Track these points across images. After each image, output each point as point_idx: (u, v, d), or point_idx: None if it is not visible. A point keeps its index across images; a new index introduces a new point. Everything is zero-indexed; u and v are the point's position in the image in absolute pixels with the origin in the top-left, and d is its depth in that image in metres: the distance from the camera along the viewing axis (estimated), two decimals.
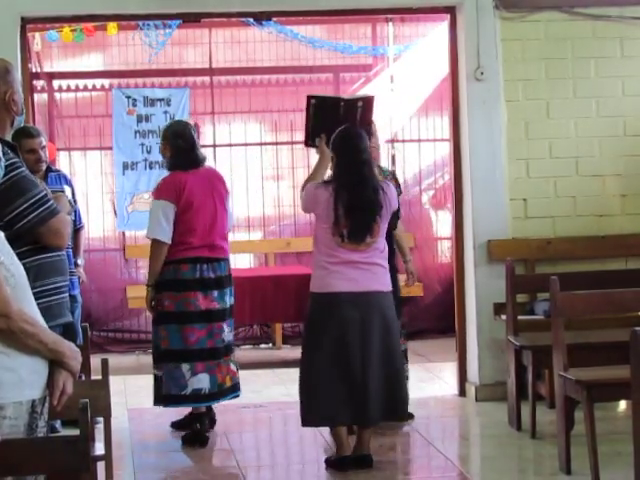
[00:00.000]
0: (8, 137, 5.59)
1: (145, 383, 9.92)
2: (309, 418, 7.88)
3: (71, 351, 4.47)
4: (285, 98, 14.61)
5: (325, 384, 7.73)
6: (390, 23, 13.71)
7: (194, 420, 8.80)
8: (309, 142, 8.15)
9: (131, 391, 9.82)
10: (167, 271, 8.64)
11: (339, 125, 7.72)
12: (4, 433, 4.48)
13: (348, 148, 7.78)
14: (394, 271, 8.65)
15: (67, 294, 6.02)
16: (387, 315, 7.78)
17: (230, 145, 14.10)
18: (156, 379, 8.60)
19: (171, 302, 8.69)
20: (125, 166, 12.44)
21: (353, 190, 7.62)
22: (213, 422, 8.99)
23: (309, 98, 8.08)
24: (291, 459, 8.08)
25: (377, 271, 7.77)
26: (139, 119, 12.37)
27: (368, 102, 8.03)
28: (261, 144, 13.51)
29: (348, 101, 8.02)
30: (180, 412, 9.06)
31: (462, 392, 9.98)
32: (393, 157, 13.35)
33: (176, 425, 8.95)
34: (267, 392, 10.42)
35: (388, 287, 7.82)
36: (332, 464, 7.81)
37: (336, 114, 7.84)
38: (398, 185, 9.03)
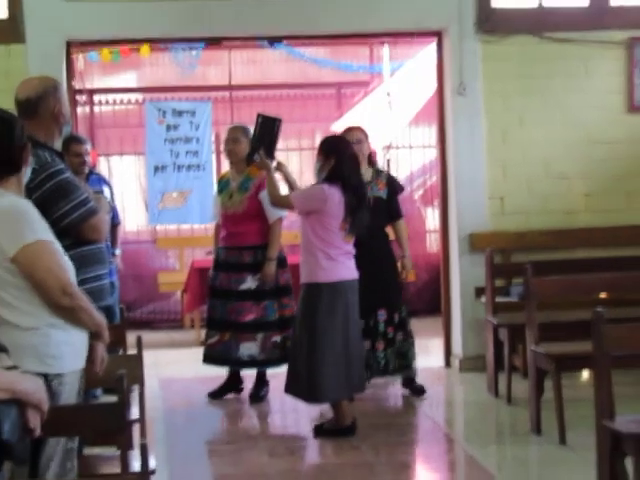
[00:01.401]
0: (57, 144, 5.65)
1: (174, 356, 9.99)
2: (318, 395, 7.79)
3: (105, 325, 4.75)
4: (294, 110, 14.58)
5: (335, 363, 7.69)
6: (385, 45, 13.69)
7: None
8: (250, 158, 7.98)
9: (162, 364, 9.84)
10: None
11: (272, 141, 7.79)
12: (64, 398, 4.58)
13: (348, 151, 7.80)
14: (394, 259, 8.82)
15: (107, 281, 6.07)
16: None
17: None
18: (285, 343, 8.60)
19: (287, 277, 8.83)
20: (156, 169, 12.44)
21: (357, 190, 7.67)
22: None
23: (258, 115, 7.94)
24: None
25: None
26: (168, 128, 12.39)
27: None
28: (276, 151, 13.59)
29: (280, 121, 7.91)
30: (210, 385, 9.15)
31: (447, 364, 10.02)
32: (388, 161, 13.34)
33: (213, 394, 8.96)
34: None
35: None
36: (332, 432, 7.79)
37: (272, 131, 7.80)
38: (398, 183, 9.13)
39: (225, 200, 8.76)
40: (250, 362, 8.77)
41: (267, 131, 7.81)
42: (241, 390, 9.05)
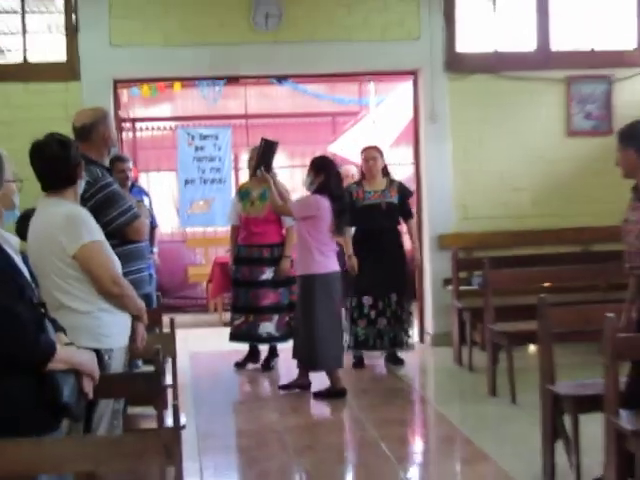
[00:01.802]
0: (106, 162, 5.68)
1: (200, 334, 9.98)
2: (316, 365, 7.93)
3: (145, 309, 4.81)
4: (298, 134, 14.69)
5: (333, 338, 7.85)
6: (371, 82, 13.70)
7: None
8: (254, 173, 8.13)
9: (191, 340, 9.81)
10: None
11: (270, 159, 7.85)
12: (113, 368, 4.63)
13: (334, 169, 8.04)
14: (404, 253, 9.03)
15: (146, 273, 6.12)
16: None
17: None
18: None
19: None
20: (186, 182, 12.45)
21: (341, 200, 7.87)
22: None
23: (264, 140, 7.99)
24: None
25: None
26: (196, 149, 12.40)
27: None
28: (281, 167, 13.51)
29: (277, 143, 7.99)
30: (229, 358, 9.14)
31: (422, 340, 9.99)
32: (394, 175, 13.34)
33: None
34: None
35: None
36: (330, 395, 7.85)
37: (271, 151, 7.85)
38: (408, 190, 9.15)
39: (247, 206, 8.76)
40: (268, 338, 8.85)
41: (268, 151, 7.86)
42: (259, 361, 9.05)
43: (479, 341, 8.69)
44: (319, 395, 7.89)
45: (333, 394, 7.83)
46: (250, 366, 9.04)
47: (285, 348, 8.72)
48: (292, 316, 8.60)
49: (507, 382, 7.53)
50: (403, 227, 9.13)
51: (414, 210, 9.45)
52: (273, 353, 9.00)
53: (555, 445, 5.70)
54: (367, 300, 8.60)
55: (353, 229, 8.75)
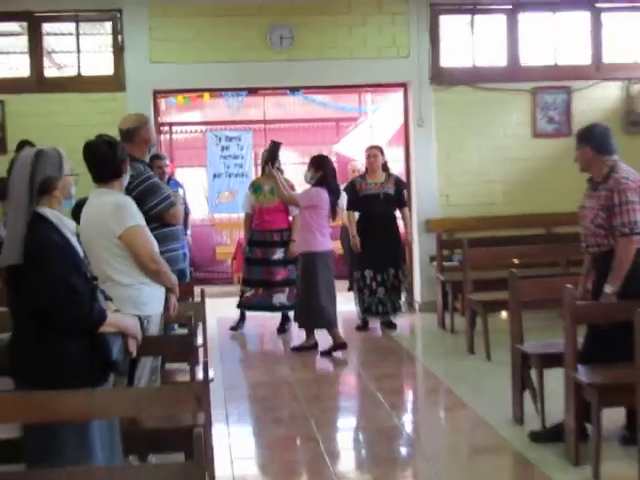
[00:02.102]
0: (147, 159, 5.67)
1: (226, 303, 9.92)
2: (320, 323, 7.99)
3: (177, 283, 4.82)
4: (307, 136, 14.58)
5: (330, 302, 7.91)
6: (368, 93, 13.64)
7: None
8: (264, 171, 8.37)
9: (218, 308, 9.76)
10: None
11: (277, 157, 7.96)
12: (151, 331, 4.65)
13: (330, 165, 8.16)
14: (399, 234, 9.01)
15: (181, 252, 6.10)
16: None
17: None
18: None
19: None
20: (214, 176, 12.46)
21: (336, 192, 8.07)
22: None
23: (272, 141, 8.20)
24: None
25: None
26: (222, 149, 12.40)
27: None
28: (294, 163, 13.46)
29: (280, 143, 8.10)
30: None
31: (411, 307, 9.90)
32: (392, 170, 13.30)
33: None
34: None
35: None
36: (334, 349, 7.91)
37: (277, 150, 7.92)
38: (403, 183, 9.17)
39: (260, 197, 8.77)
40: (281, 307, 8.85)
41: (275, 150, 7.93)
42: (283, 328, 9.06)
43: (459, 308, 8.66)
44: (325, 353, 7.92)
45: (336, 347, 7.90)
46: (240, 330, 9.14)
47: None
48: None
49: (483, 342, 7.54)
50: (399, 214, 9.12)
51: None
52: (286, 319, 8.98)
53: (523, 395, 5.71)
54: (369, 273, 8.62)
55: (357, 214, 8.84)
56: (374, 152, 8.86)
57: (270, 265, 8.76)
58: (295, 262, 8.56)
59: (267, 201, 8.73)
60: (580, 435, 4.96)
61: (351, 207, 8.85)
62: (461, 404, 6.38)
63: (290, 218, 8.79)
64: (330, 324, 7.99)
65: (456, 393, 6.63)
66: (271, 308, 8.88)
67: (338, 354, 7.93)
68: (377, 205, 8.66)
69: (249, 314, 9.12)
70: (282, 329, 8.98)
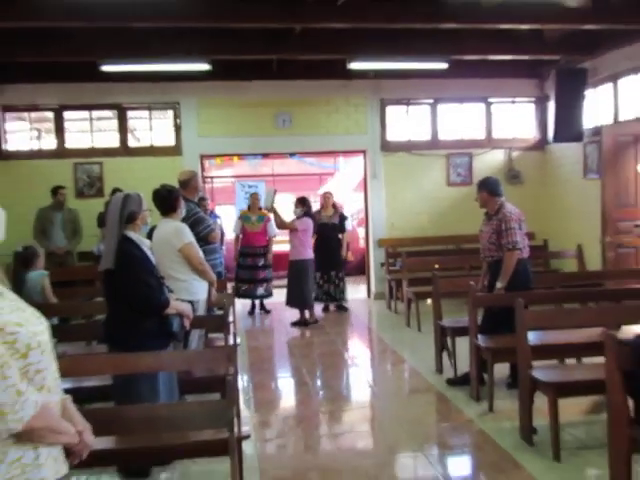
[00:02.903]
0: (196, 200, 5.64)
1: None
2: (308, 305, 8.01)
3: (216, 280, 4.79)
4: (300, 185, 14.26)
5: (311, 290, 8.04)
6: (340, 156, 13.69)
7: None
8: (265, 207, 8.12)
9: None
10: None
11: (273, 199, 7.86)
12: (199, 312, 4.61)
13: (309, 203, 8.15)
14: (340, 250, 8.74)
15: (219, 260, 6.08)
16: None
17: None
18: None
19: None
20: (240, 211, 12.44)
21: (315, 220, 8.14)
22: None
23: (269, 188, 8.42)
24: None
25: None
26: (245, 193, 12.23)
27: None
28: (292, 202, 13.39)
29: (276, 190, 8.10)
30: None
31: (369, 296, 9.85)
32: (341, 207, 13.23)
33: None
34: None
35: None
36: (309, 323, 7.94)
37: (273, 195, 7.88)
38: (345, 216, 8.99)
39: (248, 225, 8.65)
40: (260, 296, 8.72)
41: (273, 194, 7.88)
42: (266, 310, 8.97)
43: (400, 297, 8.64)
44: (298, 324, 7.98)
45: (312, 323, 7.97)
46: (257, 312, 8.98)
47: (269, 302, 8.92)
48: (272, 283, 8.74)
49: (415, 319, 7.53)
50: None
51: (351, 227, 9.48)
52: (263, 304, 8.95)
53: (442, 354, 5.72)
54: (317, 274, 8.48)
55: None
56: (327, 195, 8.87)
57: (256, 269, 8.61)
58: (270, 267, 8.67)
59: (254, 227, 8.63)
60: (480, 381, 4.97)
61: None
62: (401, 360, 6.39)
63: (267, 239, 8.68)
64: (312, 306, 8.06)
65: (398, 353, 6.63)
66: (255, 297, 8.76)
67: (315, 326, 7.90)
68: (327, 230, 8.55)
69: (243, 301, 8.95)
70: (264, 309, 8.95)
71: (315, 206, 9.09)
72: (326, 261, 8.50)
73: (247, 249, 8.68)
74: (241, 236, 8.75)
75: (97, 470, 3.66)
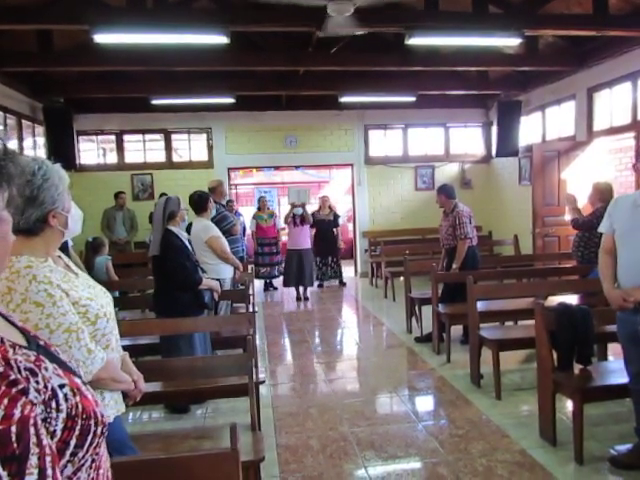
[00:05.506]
0: (223, 202, 5.57)
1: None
2: (310, 284, 7.88)
3: (239, 264, 4.65)
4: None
5: (312, 271, 7.89)
6: (334, 168, 13.50)
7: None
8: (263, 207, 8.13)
9: None
10: None
11: (306, 197, 7.78)
12: (226, 286, 4.55)
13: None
14: (336, 240, 8.58)
15: (242, 248, 5.98)
16: None
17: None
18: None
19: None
20: (254, 213, 12.37)
21: (314, 218, 7.96)
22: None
23: (289, 188, 8.26)
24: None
25: None
26: (262, 197, 12.26)
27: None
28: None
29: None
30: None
31: (355, 274, 9.80)
32: (335, 207, 13.16)
33: None
34: None
35: None
36: (308, 299, 7.80)
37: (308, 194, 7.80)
38: (338, 215, 8.73)
39: (262, 221, 8.49)
40: (274, 276, 8.58)
41: (306, 193, 7.83)
42: (274, 287, 8.82)
43: (379, 275, 8.58)
44: (298, 299, 7.82)
45: (305, 299, 7.80)
46: (271, 290, 8.81)
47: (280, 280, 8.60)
48: (282, 265, 8.40)
49: (391, 292, 7.49)
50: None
51: (343, 223, 9.27)
52: (272, 283, 8.80)
53: (411, 319, 5.68)
54: (319, 259, 8.41)
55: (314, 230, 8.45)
56: (324, 198, 8.67)
57: (270, 255, 8.49)
58: (281, 253, 8.45)
59: (266, 223, 8.51)
60: (440, 339, 4.95)
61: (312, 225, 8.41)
62: (380, 323, 6.34)
63: (276, 230, 8.55)
64: (312, 284, 7.96)
65: (378, 318, 6.59)
66: (274, 277, 8.60)
67: (315, 298, 7.84)
68: (324, 225, 8.40)
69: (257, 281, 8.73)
70: (267, 288, 8.79)
71: (315, 206, 8.98)
72: (323, 249, 8.42)
73: (262, 240, 8.58)
74: (255, 231, 8.63)
75: (148, 408, 3.65)
